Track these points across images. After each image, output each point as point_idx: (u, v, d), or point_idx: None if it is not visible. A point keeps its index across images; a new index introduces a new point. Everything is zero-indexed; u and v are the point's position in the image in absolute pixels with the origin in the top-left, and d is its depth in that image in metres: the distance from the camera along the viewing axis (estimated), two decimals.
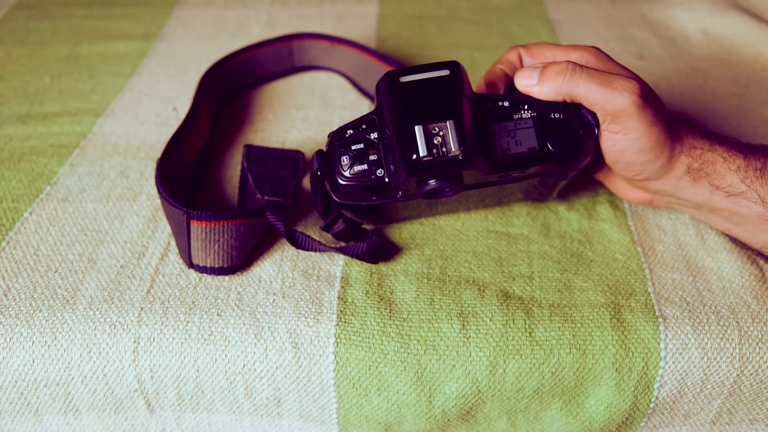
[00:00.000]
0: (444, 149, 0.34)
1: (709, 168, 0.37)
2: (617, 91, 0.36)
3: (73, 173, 0.49)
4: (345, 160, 0.36)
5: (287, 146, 0.52)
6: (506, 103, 0.37)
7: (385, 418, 0.39)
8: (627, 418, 0.39)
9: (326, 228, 0.41)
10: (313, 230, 0.44)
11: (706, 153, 0.37)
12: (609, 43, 0.66)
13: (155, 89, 0.59)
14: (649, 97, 0.36)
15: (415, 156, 0.34)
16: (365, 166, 0.36)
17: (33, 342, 0.37)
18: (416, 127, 0.34)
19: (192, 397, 0.39)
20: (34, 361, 0.37)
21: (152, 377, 0.38)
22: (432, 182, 0.35)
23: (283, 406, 0.39)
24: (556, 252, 0.42)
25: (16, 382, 0.38)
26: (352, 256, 0.40)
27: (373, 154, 0.36)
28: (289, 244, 0.42)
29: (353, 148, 0.37)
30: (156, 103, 0.57)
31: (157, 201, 0.46)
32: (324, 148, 0.38)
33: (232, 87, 0.57)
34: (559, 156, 0.37)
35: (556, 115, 0.37)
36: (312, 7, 0.73)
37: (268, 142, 0.52)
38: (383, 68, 0.55)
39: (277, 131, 0.54)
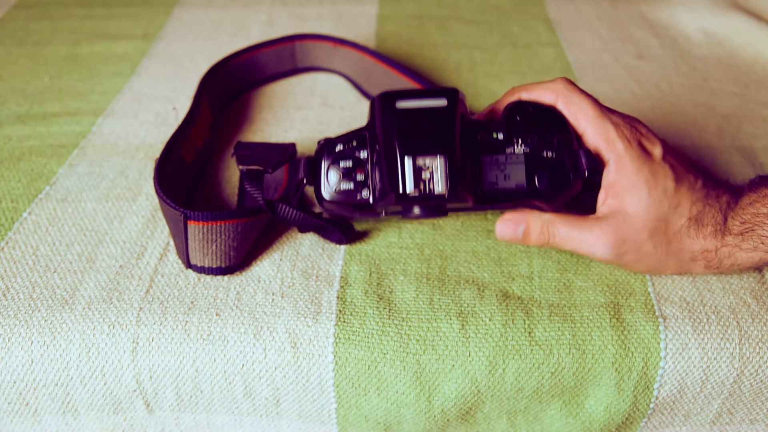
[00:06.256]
0: (431, 186, 0.34)
1: (729, 260, 0.37)
2: (592, 251, 0.38)
3: (73, 173, 0.48)
4: (332, 176, 0.36)
5: None
6: (500, 136, 0.37)
7: (385, 417, 0.39)
8: (627, 418, 0.39)
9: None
10: None
11: (721, 249, 0.37)
12: (609, 43, 0.66)
13: (155, 89, 0.59)
14: (626, 244, 0.37)
15: (401, 189, 0.34)
16: (351, 186, 0.36)
17: (32, 342, 0.37)
18: (406, 159, 0.34)
19: (191, 397, 0.39)
20: (32, 362, 0.37)
21: (151, 377, 0.38)
22: (416, 210, 0.35)
23: (282, 406, 0.39)
24: (556, 252, 0.42)
25: (14, 383, 0.37)
26: (328, 227, 0.41)
27: (360, 173, 0.36)
28: (288, 244, 0.42)
29: (341, 165, 0.37)
30: (155, 103, 0.57)
31: (156, 201, 0.46)
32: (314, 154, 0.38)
33: (233, 87, 0.57)
34: (545, 195, 0.37)
35: (549, 154, 0.37)
36: (312, 7, 0.73)
37: (267, 141, 0.52)
38: (386, 70, 0.55)
39: (277, 131, 0.53)
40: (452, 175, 0.34)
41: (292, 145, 0.46)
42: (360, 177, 0.36)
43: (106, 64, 0.63)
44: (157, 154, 0.45)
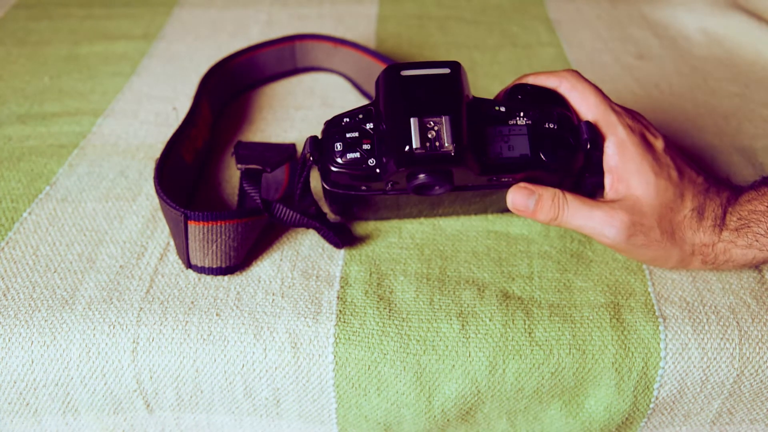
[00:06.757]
0: (437, 143, 0.34)
1: (724, 256, 0.37)
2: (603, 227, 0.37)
3: (73, 173, 0.48)
4: (338, 146, 0.37)
5: None
6: (502, 109, 0.38)
7: (385, 418, 0.39)
8: (627, 419, 0.39)
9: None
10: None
11: (717, 245, 0.37)
12: (609, 43, 0.66)
13: (155, 89, 0.59)
14: (636, 227, 0.37)
15: (407, 147, 0.34)
16: (357, 155, 0.36)
17: (32, 342, 0.37)
18: (412, 119, 0.34)
19: (191, 397, 0.39)
20: (33, 362, 0.37)
21: (151, 377, 0.38)
22: (422, 176, 0.35)
23: (283, 406, 0.39)
24: (556, 252, 0.42)
25: (15, 383, 0.37)
26: (324, 229, 0.41)
27: (366, 144, 0.37)
28: (288, 245, 0.42)
29: (348, 136, 0.37)
30: (156, 103, 0.57)
31: (157, 201, 0.46)
32: (319, 136, 0.38)
33: (233, 87, 0.57)
34: (550, 165, 0.37)
35: (551, 126, 0.37)
36: (312, 7, 0.73)
37: (267, 141, 0.52)
38: None
39: (277, 131, 0.53)
40: (458, 134, 0.34)
41: (292, 146, 0.46)
42: (366, 146, 0.37)
43: (106, 64, 0.62)
44: (157, 154, 0.45)
